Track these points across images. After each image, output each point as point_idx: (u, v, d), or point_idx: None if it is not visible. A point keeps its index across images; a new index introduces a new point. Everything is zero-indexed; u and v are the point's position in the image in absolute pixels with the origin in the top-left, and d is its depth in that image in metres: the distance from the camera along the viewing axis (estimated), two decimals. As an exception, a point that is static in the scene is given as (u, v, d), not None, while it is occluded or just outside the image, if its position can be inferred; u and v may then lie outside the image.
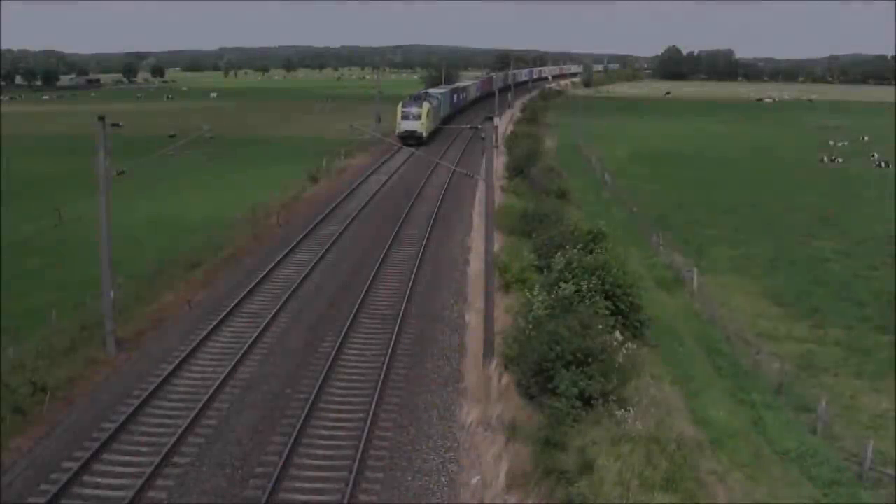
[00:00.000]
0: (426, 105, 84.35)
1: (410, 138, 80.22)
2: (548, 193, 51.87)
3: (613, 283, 28.50)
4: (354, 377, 24.68)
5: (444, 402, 23.13)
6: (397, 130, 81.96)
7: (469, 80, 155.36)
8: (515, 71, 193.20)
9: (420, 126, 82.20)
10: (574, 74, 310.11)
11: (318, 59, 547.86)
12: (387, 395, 23.42)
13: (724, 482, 20.82)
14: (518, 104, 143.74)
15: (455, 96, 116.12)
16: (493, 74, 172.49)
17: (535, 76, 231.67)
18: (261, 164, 78.10)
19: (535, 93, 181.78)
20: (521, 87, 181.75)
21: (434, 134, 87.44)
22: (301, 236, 42.28)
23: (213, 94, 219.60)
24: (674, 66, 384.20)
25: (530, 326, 25.39)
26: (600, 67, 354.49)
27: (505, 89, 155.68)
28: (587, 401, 22.53)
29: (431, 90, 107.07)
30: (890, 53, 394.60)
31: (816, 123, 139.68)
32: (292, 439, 20.16)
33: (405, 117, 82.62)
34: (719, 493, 20.19)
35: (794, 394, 27.61)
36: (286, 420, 21.73)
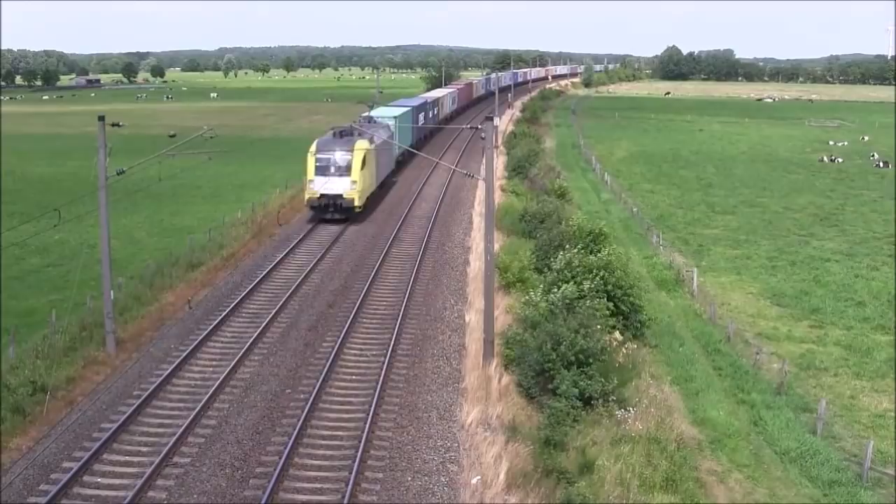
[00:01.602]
0: (361, 146, 45.64)
1: (332, 208, 44.84)
2: (547, 193, 51.89)
3: (616, 284, 28.57)
4: (354, 377, 24.69)
5: (444, 402, 23.12)
6: (307, 195, 45.46)
7: (444, 90, 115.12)
8: (502, 73, 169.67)
9: (349, 186, 44.62)
10: (574, 75, 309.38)
11: (318, 59, 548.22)
12: (387, 395, 23.42)
13: (724, 482, 20.84)
14: (518, 104, 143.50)
15: (421, 115, 79.93)
16: (474, 80, 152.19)
17: (520, 79, 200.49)
18: (261, 163, 78.16)
19: (535, 93, 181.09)
20: (505, 91, 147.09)
21: (377, 195, 51.70)
22: (301, 236, 42.27)
23: (214, 95, 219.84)
24: (674, 66, 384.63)
25: (530, 326, 25.40)
26: (600, 67, 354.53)
27: (489, 96, 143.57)
28: (587, 401, 22.57)
29: (377, 112, 65.91)
30: (889, 53, 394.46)
31: (816, 123, 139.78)
32: (292, 439, 20.16)
33: (322, 169, 44.72)
34: (719, 493, 20.21)
35: (794, 394, 27.62)
36: (286, 420, 21.73)
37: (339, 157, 44.92)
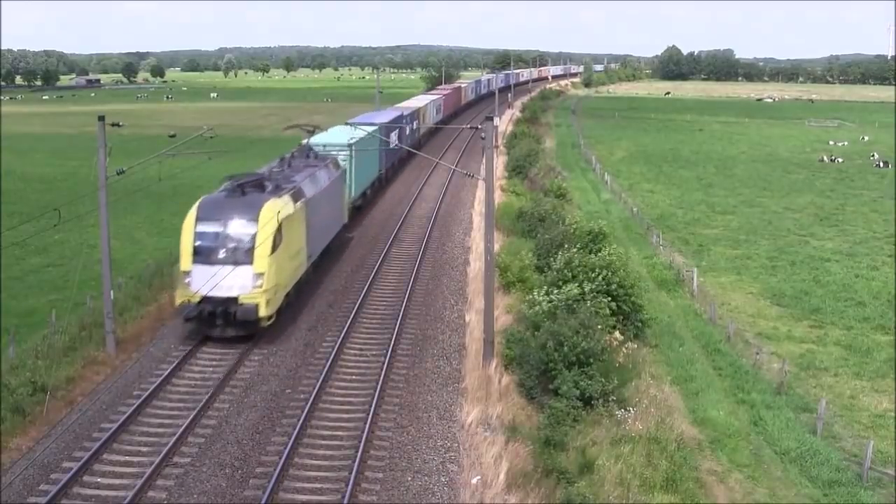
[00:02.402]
0: (275, 209, 26.90)
1: (220, 320, 25.90)
2: (546, 193, 51.90)
3: (619, 284, 28.59)
4: (354, 377, 24.68)
5: (444, 402, 23.12)
6: (179, 294, 26.30)
7: (427, 97, 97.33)
8: (490, 76, 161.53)
9: (251, 282, 25.77)
10: (573, 75, 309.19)
11: (318, 59, 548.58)
12: (387, 394, 23.42)
13: (724, 482, 20.84)
14: (518, 104, 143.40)
15: (394, 134, 59.11)
16: (463, 84, 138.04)
17: (514, 80, 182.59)
18: (261, 163, 77.96)
19: (535, 93, 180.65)
20: (504, 92, 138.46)
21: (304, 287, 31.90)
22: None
23: (214, 95, 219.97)
24: (674, 66, 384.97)
25: (532, 326, 25.39)
26: (600, 67, 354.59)
27: (479, 101, 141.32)
28: (587, 401, 22.57)
29: (322, 138, 44.54)
30: (889, 53, 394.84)
31: (816, 123, 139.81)
32: (292, 439, 20.16)
33: (204, 252, 26.12)
34: (719, 493, 20.21)
35: (794, 394, 27.63)
36: (286, 420, 21.73)
37: (236, 229, 26.38)
